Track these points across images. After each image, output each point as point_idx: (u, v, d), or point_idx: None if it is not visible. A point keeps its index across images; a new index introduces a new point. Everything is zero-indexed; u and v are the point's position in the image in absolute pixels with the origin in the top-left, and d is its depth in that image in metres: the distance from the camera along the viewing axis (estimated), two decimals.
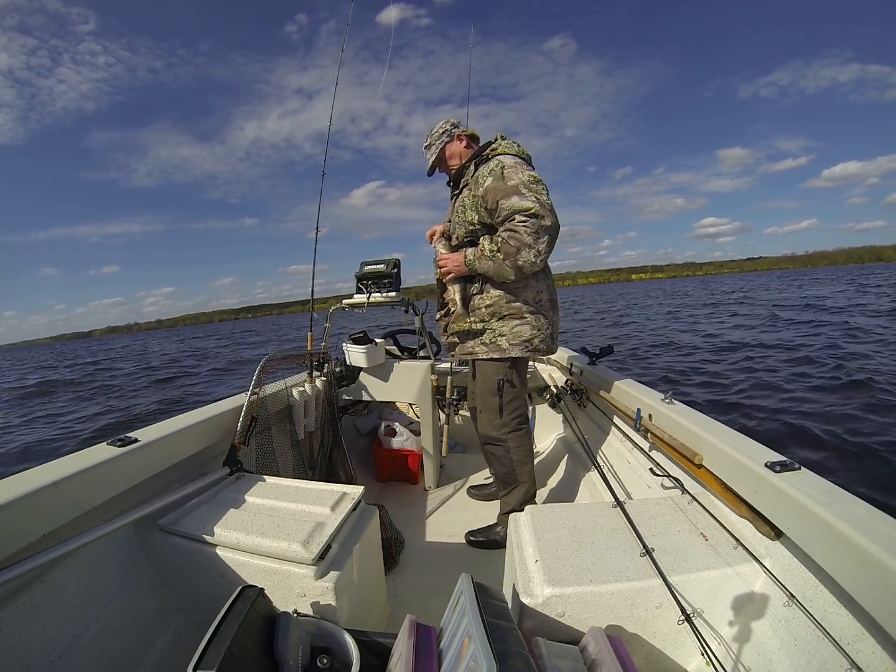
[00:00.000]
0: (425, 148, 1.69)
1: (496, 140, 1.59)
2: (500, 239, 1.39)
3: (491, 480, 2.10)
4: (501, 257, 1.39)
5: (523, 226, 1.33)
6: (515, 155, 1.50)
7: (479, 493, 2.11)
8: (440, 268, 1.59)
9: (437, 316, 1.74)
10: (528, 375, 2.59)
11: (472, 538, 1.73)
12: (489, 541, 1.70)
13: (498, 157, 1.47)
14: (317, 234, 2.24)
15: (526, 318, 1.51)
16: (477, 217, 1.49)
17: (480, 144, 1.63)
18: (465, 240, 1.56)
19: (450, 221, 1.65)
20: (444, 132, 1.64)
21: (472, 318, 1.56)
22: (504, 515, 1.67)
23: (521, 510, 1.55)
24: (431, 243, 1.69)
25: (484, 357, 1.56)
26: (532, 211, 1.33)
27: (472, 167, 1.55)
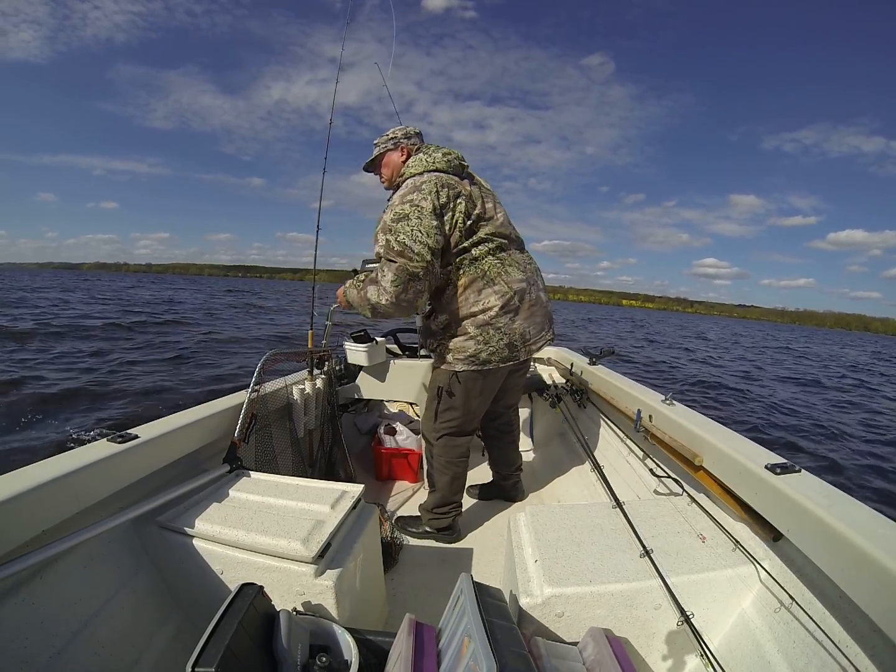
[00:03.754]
0: (374, 144, 1.66)
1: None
2: (365, 273, 1.51)
3: (490, 481, 2.11)
4: (356, 291, 1.52)
5: (379, 266, 1.43)
6: (420, 173, 1.47)
7: (477, 493, 2.11)
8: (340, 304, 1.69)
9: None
10: (529, 375, 2.59)
11: (400, 521, 1.82)
12: (417, 531, 1.77)
13: (398, 191, 1.48)
14: (317, 235, 2.24)
15: (469, 333, 1.49)
16: None
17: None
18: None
19: None
20: (391, 139, 1.59)
21: (431, 341, 1.64)
22: (420, 508, 1.79)
23: (434, 513, 1.72)
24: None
25: (436, 366, 1.65)
26: (380, 254, 1.43)
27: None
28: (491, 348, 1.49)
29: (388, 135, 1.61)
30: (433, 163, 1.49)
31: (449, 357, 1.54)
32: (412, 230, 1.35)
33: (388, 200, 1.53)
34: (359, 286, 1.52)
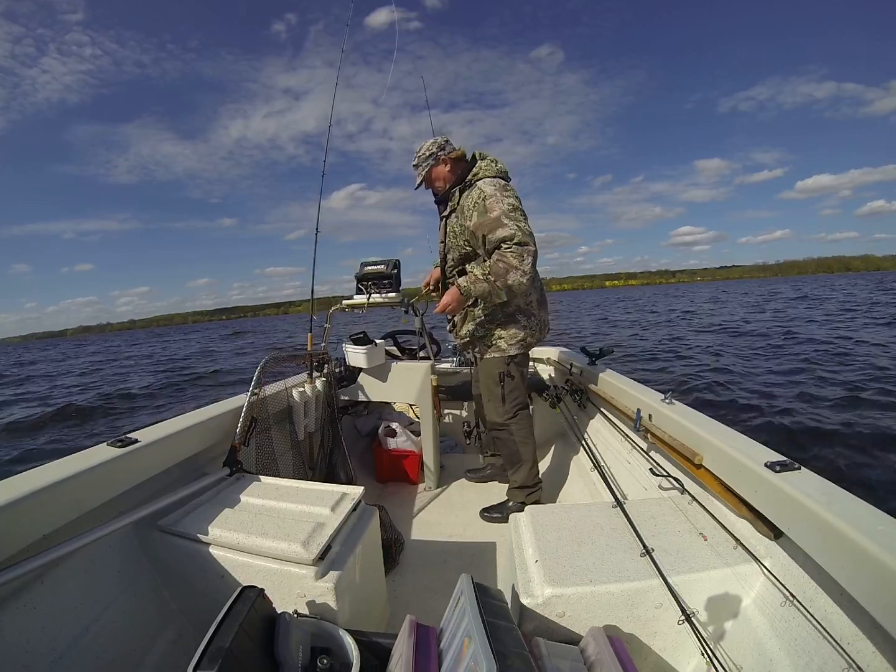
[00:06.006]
0: (414, 166, 1.78)
1: (475, 162, 1.69)
2: (489, 263, 1.55)
3: (486, 464, 2.28)
4: (493, 279, 1.54)
5: (510, 252, 1.51)
6: (494, 176, 1.62)
7: (475, 475, 2.26)
8: (446, 313, 1.75)
9: (448, 327, 1.99)
10: (528, 376, 2.60)
11: (486, 514, 1.91)
12: (503, 516, 1.85)
13: (479, 187, 1.59)
14: (316, 239, 2.29)
15: (520, 320, 1.74)
16: (468, 244, 1.68)
17: (465, 165, 1.72)
18: (459, 261, 1.76)
19: (442, 243, 1.81)
20: (430, 155, 1.72)
21: (473, 326, 1.78)
22: (513, 490, 1.89)
23: (529, 486, 1.82)
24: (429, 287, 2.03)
25: (488, 356, 1.79)
26: (516, 239, 1.50)
27: (457, 193, 1.68)
28: (534, 332, 1.78)
29: (422, 154, 1.73)
30: (500, 170, 1.68)
31: (502, 344, 1.75)
32: (525, 220, 1.55)
33: (456, 196, 1.69)
34: (484, 277, 1.56)
